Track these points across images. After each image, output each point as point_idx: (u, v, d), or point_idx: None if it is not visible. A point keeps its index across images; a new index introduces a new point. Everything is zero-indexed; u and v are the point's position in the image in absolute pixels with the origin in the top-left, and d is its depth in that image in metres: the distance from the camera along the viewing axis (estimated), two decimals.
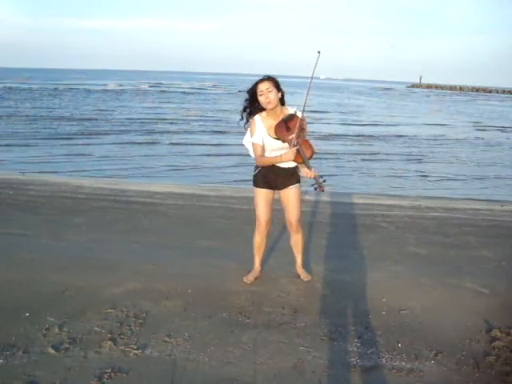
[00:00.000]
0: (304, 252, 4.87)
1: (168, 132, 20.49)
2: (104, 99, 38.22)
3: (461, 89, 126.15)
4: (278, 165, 4.35)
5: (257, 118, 4.32)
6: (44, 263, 4.91)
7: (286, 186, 4.47)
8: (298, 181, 4.51)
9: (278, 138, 4.23)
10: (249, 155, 4.58)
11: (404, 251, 5.84)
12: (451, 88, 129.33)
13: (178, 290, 4.36)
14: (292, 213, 4.54)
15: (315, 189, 4.14)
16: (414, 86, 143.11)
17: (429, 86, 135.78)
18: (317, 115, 30.32)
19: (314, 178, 4.12)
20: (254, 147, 4.35)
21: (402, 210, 8.11)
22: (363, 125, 27.03)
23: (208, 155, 15.32)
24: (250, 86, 4.35)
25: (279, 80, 4.30)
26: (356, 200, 8.77)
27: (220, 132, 21.26)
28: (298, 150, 4.09)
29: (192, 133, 20.71)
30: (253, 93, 4.29)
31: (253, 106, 4.34)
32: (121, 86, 60.90)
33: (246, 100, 4.38)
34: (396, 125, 27.90)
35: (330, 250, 5.80)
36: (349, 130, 24.39)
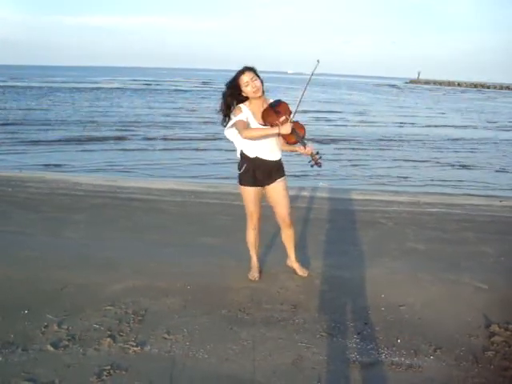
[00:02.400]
0: (302, 248, 4.88)
1: (159, 138, 17.57)
2: (94, 98, 35.62)
3: (459, 84, 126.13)
4: (265, 158, 4.31)
5: (241, 105, 4.23)
6: (43, 261, 4.90)
7: (273, 180, 4.42)
8: (283, 174, 4.49)
9: (265, 124, 4.20)
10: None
11: (403, 247, 5.84)
12: (449, 83, 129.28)
13: (177, 286, 4.36)
14: (284, 207, 4.52)
15: (312, 166, 4.18)
16: (412, 81, 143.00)
17: (427, 82, 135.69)
18: (324, 115, 28.18)
19: (311, 155, 4.16)
20: (237, 123, 4.12)
21: (400, 205, 8.11)
22: (378, 126, 24.61)
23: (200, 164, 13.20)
24: (227, 80, 4.28)
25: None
26: (354, 196, 8.76)
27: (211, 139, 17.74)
28: (292, 128, 4.06)
29: (183, 139, 17.57)
30: (235, 86, 4.20)
31: (234, 99, 4.25)
32: (114, 84, 58.61)
33: (226, 96, 4.25)
34: (415, 125, 25.56)
35: (328, 246, 5.80)
36: (366, 132, 21.85)
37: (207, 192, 8.62)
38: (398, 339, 3.59)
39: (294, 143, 4.20)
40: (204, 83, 73.31)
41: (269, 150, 4.33)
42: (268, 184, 4.43)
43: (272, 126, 4.14)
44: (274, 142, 4.33)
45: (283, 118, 4.15)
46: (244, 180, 4.39)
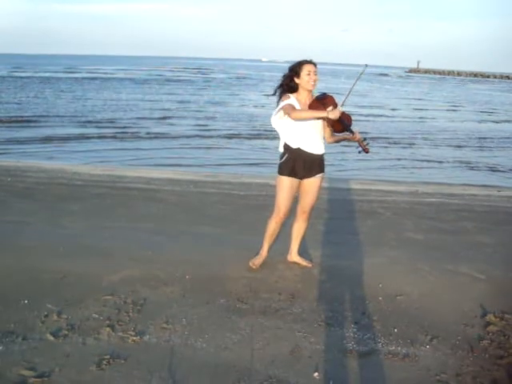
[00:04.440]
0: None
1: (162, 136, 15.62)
2: (86, 89, 32.84)
3: (458, 74, 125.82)
4: (307, 150, 4.34)
5: (290, 94, 4.29)
6: (43, 250, 4.92)
7: (312, 174, 4.44)
8: (323, 170, 4.51)
9: None
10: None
11: (401, 237, 5.87)
12: (449, 73, 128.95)
13: (176, 276, 4.38)
14: (309, 201, 4.56)
15: (359, 152, 4.32)
16: (411, 70, 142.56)
17: (427, 71, 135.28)
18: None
19: (359, 141, 4.27)
20: (286, 107, 4.17)
21: (399, 195, 8.13)
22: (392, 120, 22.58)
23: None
24: (292, 63, 4.35)
25: None
26: (353, 186, 8.78)
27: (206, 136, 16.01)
28: (339, 117, 4.12)
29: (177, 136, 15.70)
30: (295, 71, 4.25)
31: (288, 83, 4.31)
32: (109, 73, 55.64)
33: (285, 76, 4.34)
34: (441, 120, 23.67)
35: (327, 235, 5.82)
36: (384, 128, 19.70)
37: (206, 181, 8.62)
38: (394, 329, 3.62)
39: (341, 131, 4.31)
40: (200, 72, 71.37)
41: (311, 142, 4.35)
42: (306, 177, 4.44)
43: (319, 118, 4.25)
44: (318, 135, 4.36)
45: (330, 107, 4.18)
46: (282, 169, 4.40)
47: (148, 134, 16.06)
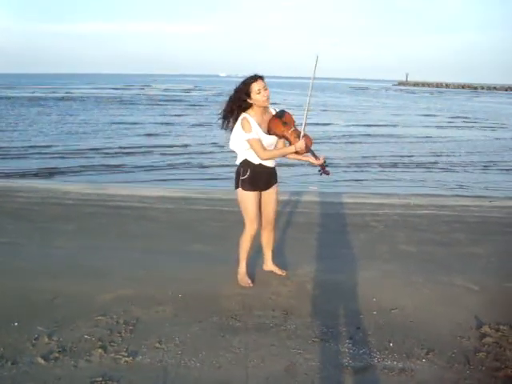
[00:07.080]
0: (293, 253, 4.88)
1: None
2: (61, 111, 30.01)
3: (447, 85, 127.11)
4: (266, 164, 4.41)
5: (246, 115, 4.27)
6: (34, 271, 4.87)
7: (270, 185, 4.56)
8: (277, 180, 4.63)
9: (272, 134, 4.32)
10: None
11: (394, 250, 5.85)
12: (437, 85, 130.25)
13: (168, 295, 4.33)
14: (272, 210, 4.65)
15: (321, 174, 4.39)
16: (400, 83, 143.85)
17: (416, 84, 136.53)
18: (338, 129, 23.92)
19: (322, 164, 4.32)
20: (253, 143, 4.23)
21: (391, 208, 8.13)
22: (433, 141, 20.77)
23: None
24: (234, 86, 4.32)
25: None
26: (345, 199, 8.78)
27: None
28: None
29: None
30: (245, 92, 4.22)
31: (241, 105, 4.28)
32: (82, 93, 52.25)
33: (234, 99, 4.29)
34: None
35: (320, 250, 5.80)
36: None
37: (198, 198, 8.60)
38: (390, 343, 3.59)
39: (304, 153, 4.34)
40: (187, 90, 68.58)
41: None
42: (266, 189, 4.54)
43: (281, 136, 4.32)
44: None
45: (292, 129, 4.28)
46: (247, 185, 4.43)
47: (135, 166, 13.66)
